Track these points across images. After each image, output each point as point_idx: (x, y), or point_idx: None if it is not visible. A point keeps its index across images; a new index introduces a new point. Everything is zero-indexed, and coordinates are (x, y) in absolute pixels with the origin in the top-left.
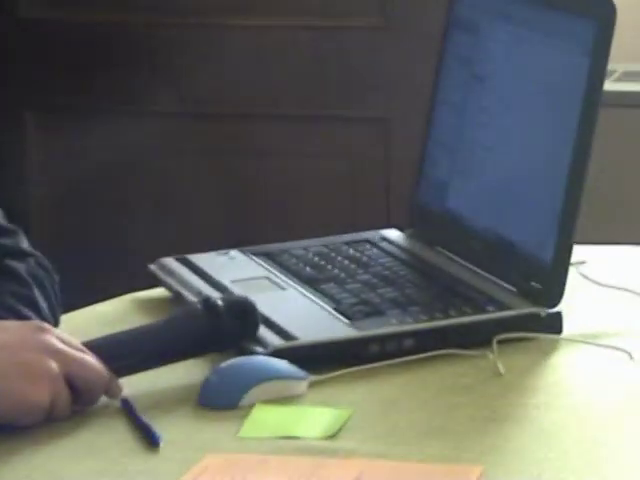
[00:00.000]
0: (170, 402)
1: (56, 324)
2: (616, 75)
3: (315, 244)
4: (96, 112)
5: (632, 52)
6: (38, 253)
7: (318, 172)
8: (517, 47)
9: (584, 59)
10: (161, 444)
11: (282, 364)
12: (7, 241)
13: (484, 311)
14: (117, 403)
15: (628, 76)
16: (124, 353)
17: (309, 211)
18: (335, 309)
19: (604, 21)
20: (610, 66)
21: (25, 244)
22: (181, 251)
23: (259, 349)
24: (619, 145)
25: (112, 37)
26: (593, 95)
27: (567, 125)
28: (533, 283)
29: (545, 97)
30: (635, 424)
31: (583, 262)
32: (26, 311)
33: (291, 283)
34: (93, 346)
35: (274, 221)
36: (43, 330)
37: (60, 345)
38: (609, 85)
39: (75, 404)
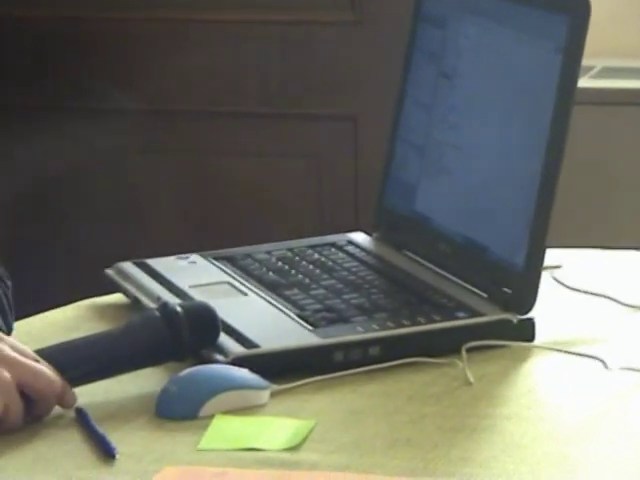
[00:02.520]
0: (127, 412)
1: (9, 332)
2: (595, 71)
3: (279, 248)
4: (49, 110)
5: (612, 47)
6: None
7: (284, 172)
8: (487, 43)
9: (557, 56)
10: (117, 456)
11: (243, 373)
12: None
13: (453, 318)
14: (71, 413)
15: (607, 72)
16: (79, 361)
17: (274, 212)
18: (298, 316)
19: (578, 16)
20: (589, 62)
21: None
22: (141, 255)
23: (219, 357)
24: (599, 144)
25: (64, 33)
26: (567, 93)
27: (540, 125)
28: (504, 289)
29: (516, 96)
30: (608, 436)
31: (557, 267)
32: None
33: (253, 289)
34: (47, 354)
35: (237, 223)
36: None
37: (12, 354)
38: (587, 82)
39: (28, 414)
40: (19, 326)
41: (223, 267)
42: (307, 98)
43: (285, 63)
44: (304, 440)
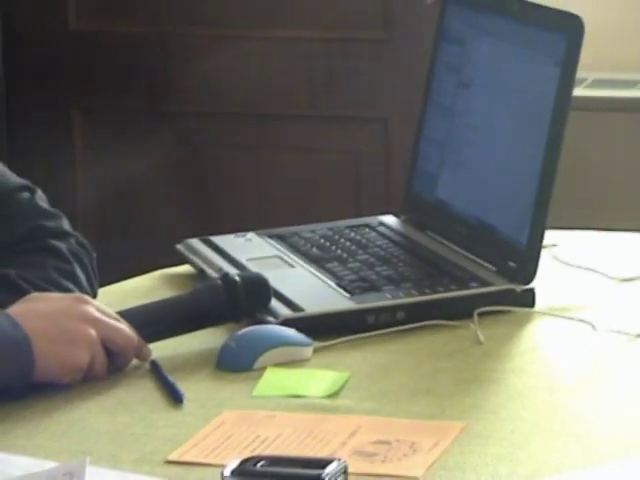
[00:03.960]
0: (192, 365)
1: (94, 296)
2: (587, 82)
3: (322, 228)
4: (132, 111)
5: (602, 62)
6: (77, 233)
7: (328, 164)
8: (497, 57)
9: (556, 68)
10: (184, 401)
11: (290, 332)
12: (51, 223)
13: (467, 287)
14: (146, 365)
15: (598, 83)
16: (153, 321)
17: (319, 198)
18: (337, 284)
19: (573, 35)
20: (581, 74)
21: (66, 226)
22: (206, 233)
23: (271, 319)
24: (589, 144)
25: (147, 45)
26: (563, 100)
27: (541, 126)
28: (510, 263)
29: (522, 101)
30: (597, 387)
31: (554, 245)
32: (68, 284)
33: (299, 262)
34: (126, 315)
35: (289, 206)
36: (83, 301)
37: (97, 314)
38: (580, 91)
39: (110, 366)
40: (102, 292)
41: (274, 243)
42: (346, 103)
43: (328, 73)
44: (341, 389)
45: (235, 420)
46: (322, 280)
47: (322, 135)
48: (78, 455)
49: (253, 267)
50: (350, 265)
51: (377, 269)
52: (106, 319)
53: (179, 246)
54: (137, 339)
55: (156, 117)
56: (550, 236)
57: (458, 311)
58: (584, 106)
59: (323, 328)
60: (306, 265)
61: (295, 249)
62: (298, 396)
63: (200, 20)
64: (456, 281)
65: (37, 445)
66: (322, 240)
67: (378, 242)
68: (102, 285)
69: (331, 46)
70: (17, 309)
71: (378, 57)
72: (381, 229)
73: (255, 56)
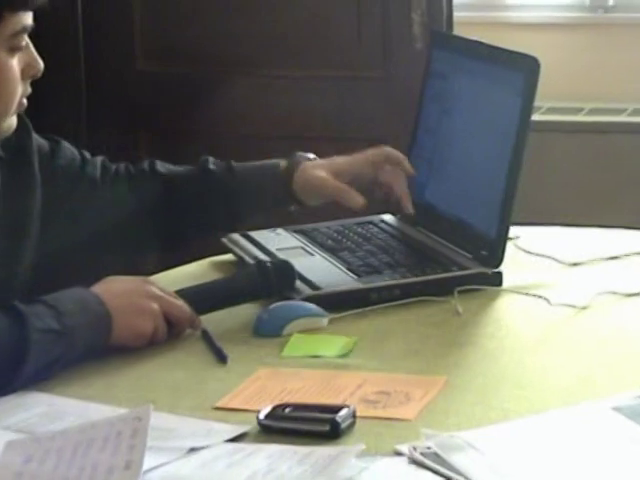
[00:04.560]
0: (234, 332)
1: None
2: (542, 110)
3: (335, 224)
4: (193, 134)
5: (554, 93)
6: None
7: None
8: (472, 90)
9: (518, 98)
10: (228, 361)
11: (311, 306)
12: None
13: (449, 270)
14: (198, 333)
15: (551, 110)
16: (203, 298)
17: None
18: (347, 269)
19: (531, 72)
20: (537, 103)
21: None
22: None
23: (295, 296)
24: (544, 159)
25: (202, 83)
26: (524, 124)
27: (506, 146)
28: (482, 251)
29: (491, 125)
30: (550, 348)
31: (517, 237)
32: None
33: (318, 251)
34: (182, 293)
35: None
36: (149, 282)
37: (159, 292)
38: (537, 117)
39: (169, 333)
40: (162, 275)
41: (298, 236)
42: (353, 126)
43: (339, 104)
44: (350, 351)
45: (268, 375)
46: (335, 265)
47: (334, 152)
48: (144, 403)
49: (281, 255)
50: (357, 254)
51: (379, 257)
52: (166, 296)
53: (224, 239)
54: (191, 312)
55: (206, 139)
56: (513, 230)
57: (442, 289)
58: (540, 128)
59: (336, 303)
60: (323, 254)
61: (314, 241)
62: (317, 356)
63: (240, 62)
64: (440, 266)
65: (112, 395)
66: (335, 234)
67: (379, 236)
68: (164, 269)
69: (341, 82)
70: (99, 289)
71: (379, 91)
72: (382, 225)
73: (284, 90)
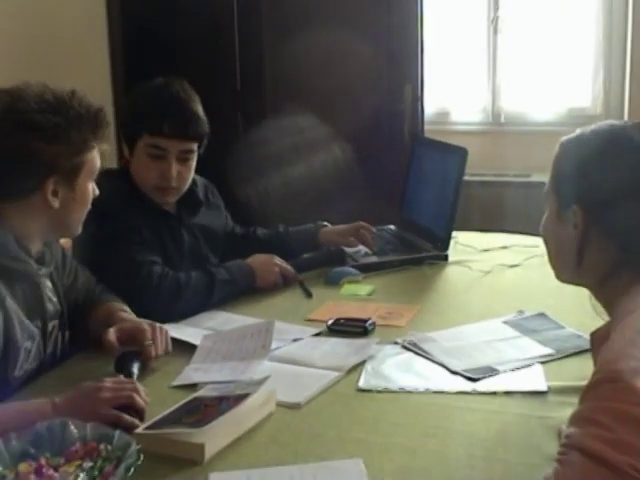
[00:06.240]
0: (318, 282)
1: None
2: (468, 173)
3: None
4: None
5: (473, 164)
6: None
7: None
8: (433, 162)
9: (456, 166)
10: (313, 296)
11: (352, 270)
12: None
13: (421, 252)
14: (296, 283)
15: (471, 173)
16: (301, 263)
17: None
18: (366, 253)
19: (463, 154)
20: (467, 170)
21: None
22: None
23: (346, 264)
24: (469, 198)
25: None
26: (459, 179)
27: (450, 189)
28: (438, 243)
29: (443, 178)
30: (471, 291)
31: (456, 237)
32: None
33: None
34: (293, 263)
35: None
36: (275, 257)
37: (279, 261)
38: (467, 177)
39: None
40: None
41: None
42: (367, 181)
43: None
44: (372, 292)
45: (333, 304)
46: (366, 250)
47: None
48: (270, 317)
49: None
50: (378, 243)
51: (387, 246)
52: (285, 265)
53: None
54: (295, 272)
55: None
56: (454, 233)
57: (418, 262)
58: (466, 183)
59: (366, 269)
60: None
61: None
62: (356, 295)
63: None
64: (416, 250)
65: (253, 314)
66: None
67: (385, 235)
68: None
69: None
70: (250, 260)
71: (382, 162)
72: (388, 230)
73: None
